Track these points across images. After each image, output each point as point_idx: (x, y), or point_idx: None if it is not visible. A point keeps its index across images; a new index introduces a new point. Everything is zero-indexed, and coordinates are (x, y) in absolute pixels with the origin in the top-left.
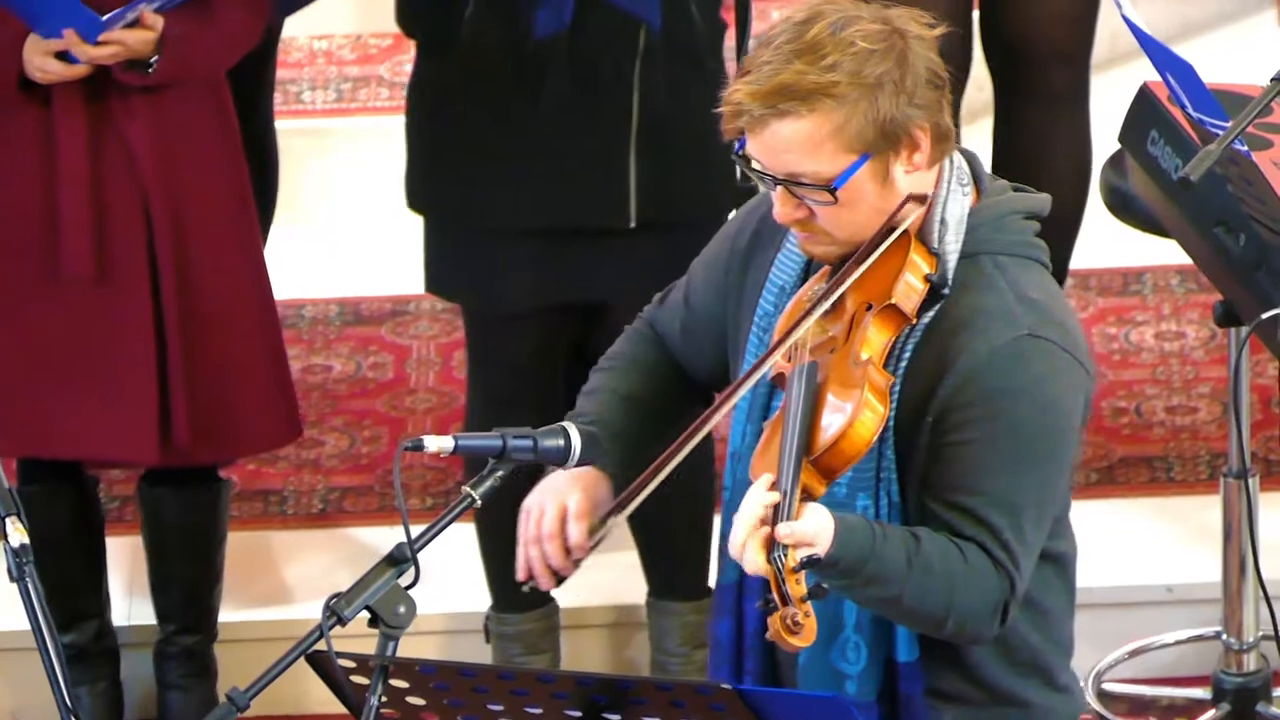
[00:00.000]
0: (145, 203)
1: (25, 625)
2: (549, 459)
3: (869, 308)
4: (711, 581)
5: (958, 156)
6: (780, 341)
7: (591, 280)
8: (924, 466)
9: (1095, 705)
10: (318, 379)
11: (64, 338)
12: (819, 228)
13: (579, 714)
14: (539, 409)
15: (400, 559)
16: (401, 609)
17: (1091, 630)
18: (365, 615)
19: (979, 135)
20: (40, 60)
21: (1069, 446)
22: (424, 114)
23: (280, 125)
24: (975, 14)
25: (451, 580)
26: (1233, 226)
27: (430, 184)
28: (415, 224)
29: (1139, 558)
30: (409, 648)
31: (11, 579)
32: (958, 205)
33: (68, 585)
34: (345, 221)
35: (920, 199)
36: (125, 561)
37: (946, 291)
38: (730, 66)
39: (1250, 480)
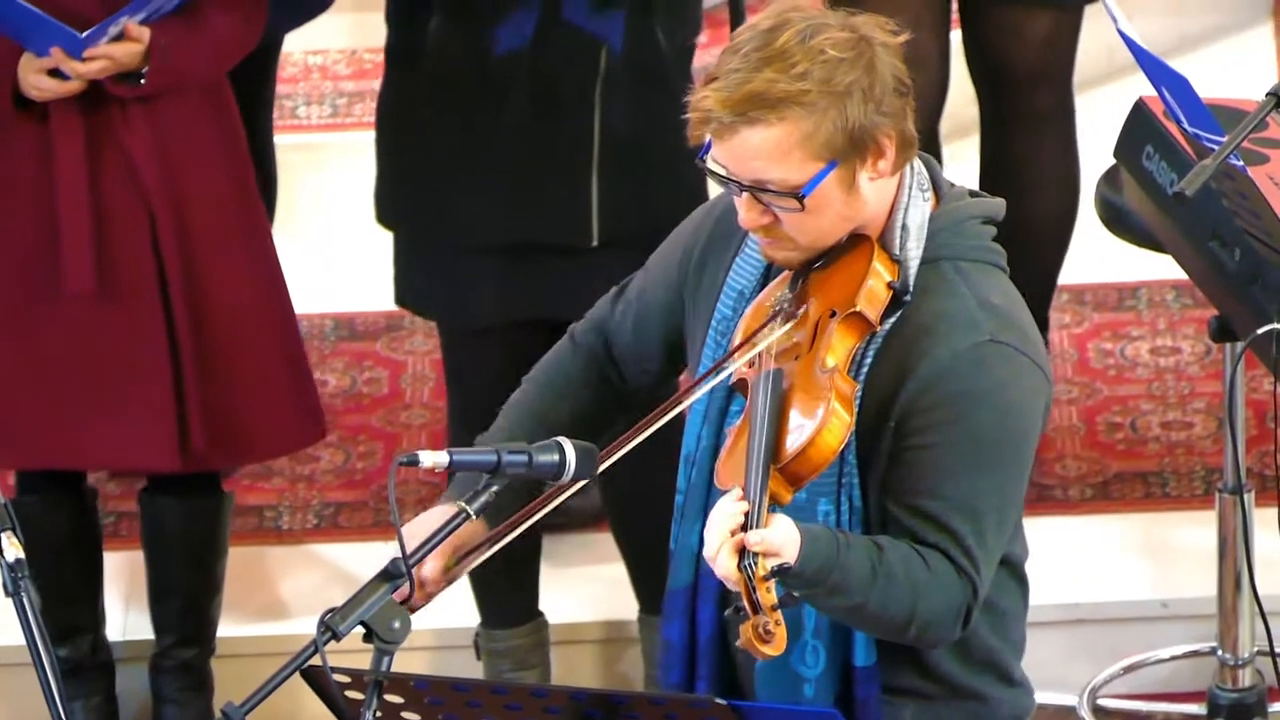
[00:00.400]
0: (149, 212)
1: (20, 640)
2: (543, 474)
3: (833, 314)
4: None
5: (917, 162)
6: (728, 356)
7: (555, 298)
8: (886, 471)
9: None
10: None
11: (77, 350)
12: (783, 234)
13: None
14: None
15: (395, 574)
16: (396, 624)
17: (1087, 645)
18: (360, 630)
19: (969, 151)
20: (34, 78)
21: (1030, 451)
22: (391, 127)
23: (275, 140)
24: (956, 33)
25: (442, 596)
26: (1228, 241)
27: (397, 198)
28: None
29: (1134, 573)
30: (399, 663)
31: (6, 594)
32: (918, 211)
33: (64, 598)
34: (340, 236)
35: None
36: (121, 576)
37: (908, 298)
38: None
39: (1245, 496)
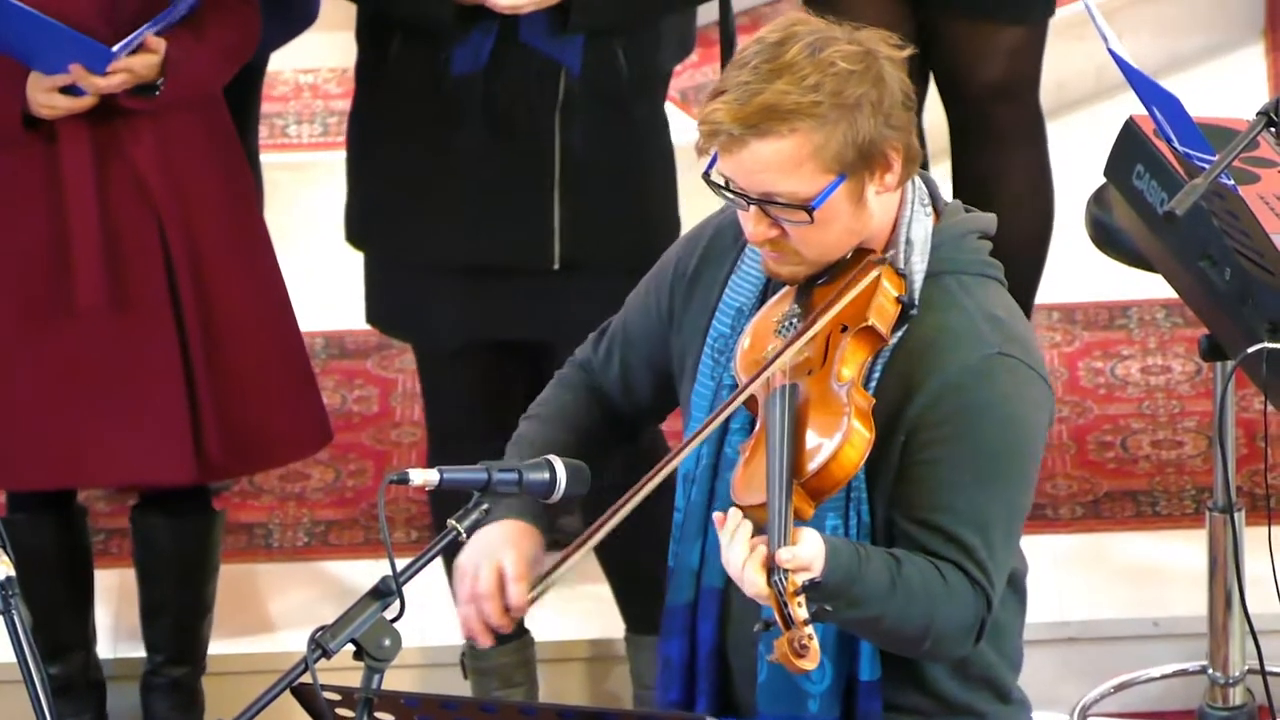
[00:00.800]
0: (159, 223)
1: (11, 658)
2: (534, 492)
3: (844, 329)
4: None
5: (917, 179)
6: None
7: (517, 321)
8: (894, 486)
9: None
10: None
11: (90, 366)
12: (789, 248)
13: None
14: (490, 442)
15: (385, 592)
16: (386, 642)
17: (1077, 664)
18: (350, 648)
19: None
20: (45, 96)
21: (1035, 463)
22: (357, 147)
23: (266, 159)
24: None
25: (429, 614)
26: (1218, 260)
27: (362, 218)
28: None
29: (1124, 592)
30: (387, 681)
31: None
32: (921, 226)
33: (54, 616)
34: (330, 255)
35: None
36: (112, 594)
37: (914, 312)
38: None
39: (1236, 514)
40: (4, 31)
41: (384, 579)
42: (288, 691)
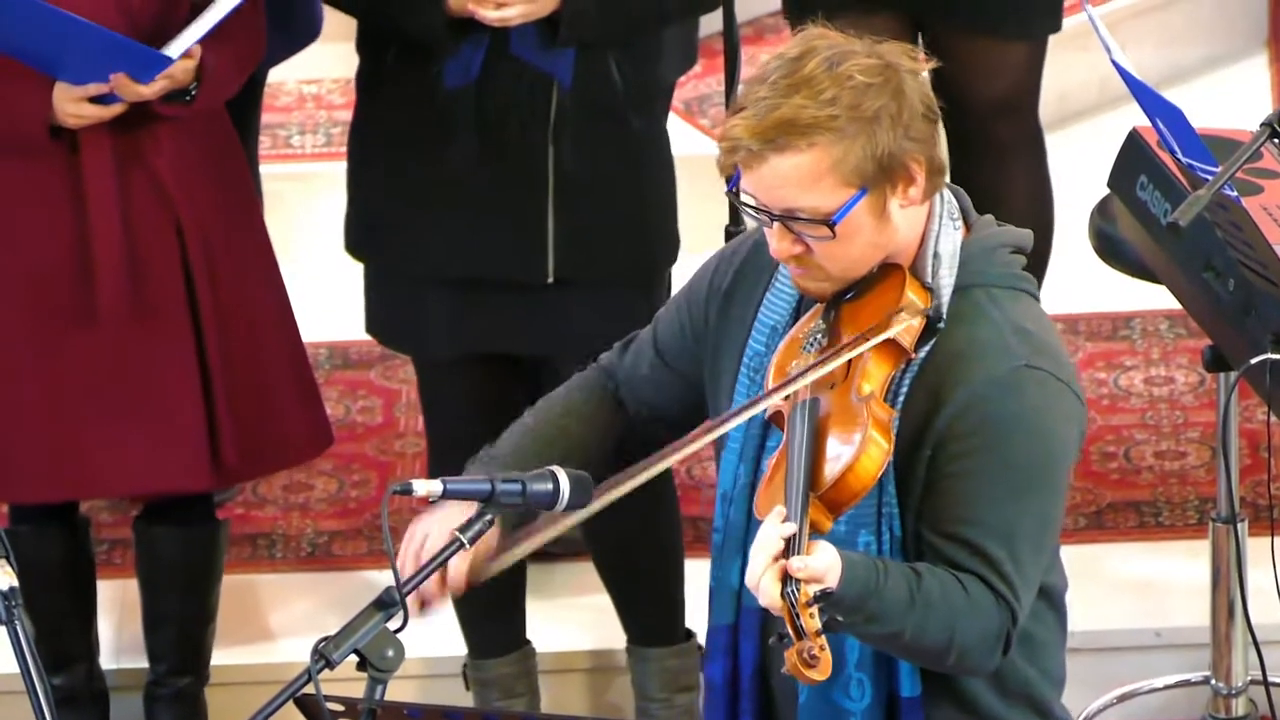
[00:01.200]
0: (179, 232)
1: (15, 668)
2: (538, 503)
3: (867, 343)
4: (689, 624)
5: (946, 192)
6: (768, 395)
7: (511, 334)
8: (922, 499)
9: None
10: None
11: (107, 375)
12: (814, 263)
13: None
14: None
15: (389, 603)
16: (390, 653)
17: (1080, 674)
18: (354, 659)
19: None
20: (74, 106)
21: (1065, 476)
22: (356, 157)
23: (269, 169)
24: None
25: (430, 624)
26: (1221, 271)
27: (360, 229)
28: None
29: (1127, 602)
30: (388, 692)
31: (0, 622)
32: (950, 240)
33: (58, 627)
34: (334, 265)
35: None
36: (115, 604)
37: (941, 325)
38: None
39: (1239, 525)
40: (36, 41)
41: (387, 590)
42: (291, 702)
